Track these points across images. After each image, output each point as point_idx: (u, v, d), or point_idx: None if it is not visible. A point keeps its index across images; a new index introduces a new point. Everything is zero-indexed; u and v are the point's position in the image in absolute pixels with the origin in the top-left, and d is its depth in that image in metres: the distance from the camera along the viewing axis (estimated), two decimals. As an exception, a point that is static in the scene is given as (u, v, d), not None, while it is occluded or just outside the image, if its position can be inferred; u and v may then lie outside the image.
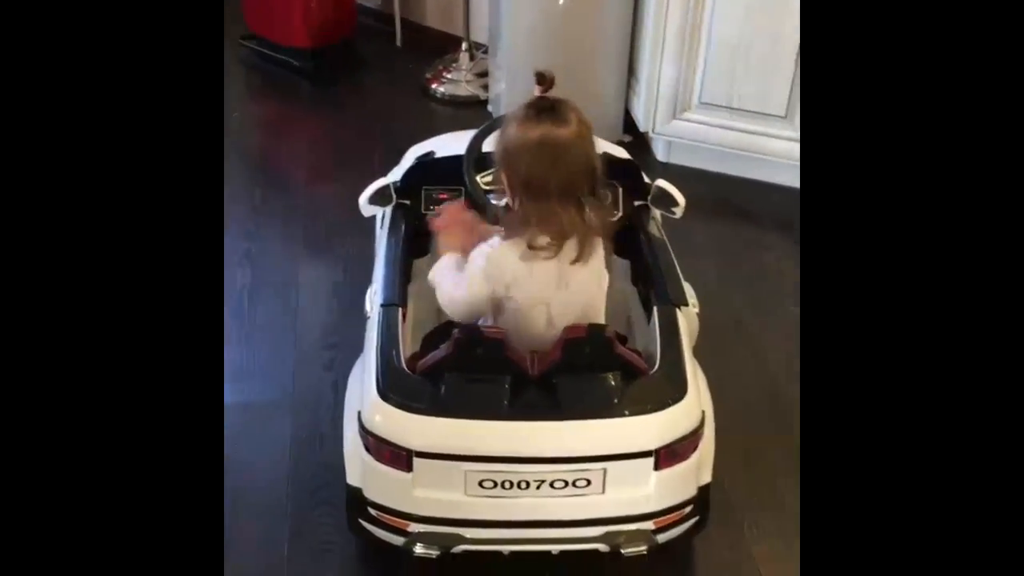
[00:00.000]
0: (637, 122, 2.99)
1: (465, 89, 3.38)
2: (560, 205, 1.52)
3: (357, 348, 1.78)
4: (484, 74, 3.37)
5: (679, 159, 2.98)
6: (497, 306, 1.60)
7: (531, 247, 1.54)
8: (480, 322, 1.68)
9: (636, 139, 3.03)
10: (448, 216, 1.74)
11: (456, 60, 3.45)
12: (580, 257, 1.56)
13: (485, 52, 3.37)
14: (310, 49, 3.42)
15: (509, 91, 3.03)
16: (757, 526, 1.87)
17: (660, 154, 3.01)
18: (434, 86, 3.40)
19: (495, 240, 1.59)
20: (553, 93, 1.58)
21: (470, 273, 1.59)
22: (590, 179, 1.55)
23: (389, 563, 1.74)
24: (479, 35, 3.43)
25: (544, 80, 1.55)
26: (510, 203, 1.59)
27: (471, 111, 3.27)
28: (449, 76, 3.42)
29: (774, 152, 2.76)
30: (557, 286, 1.57)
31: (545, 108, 1.53)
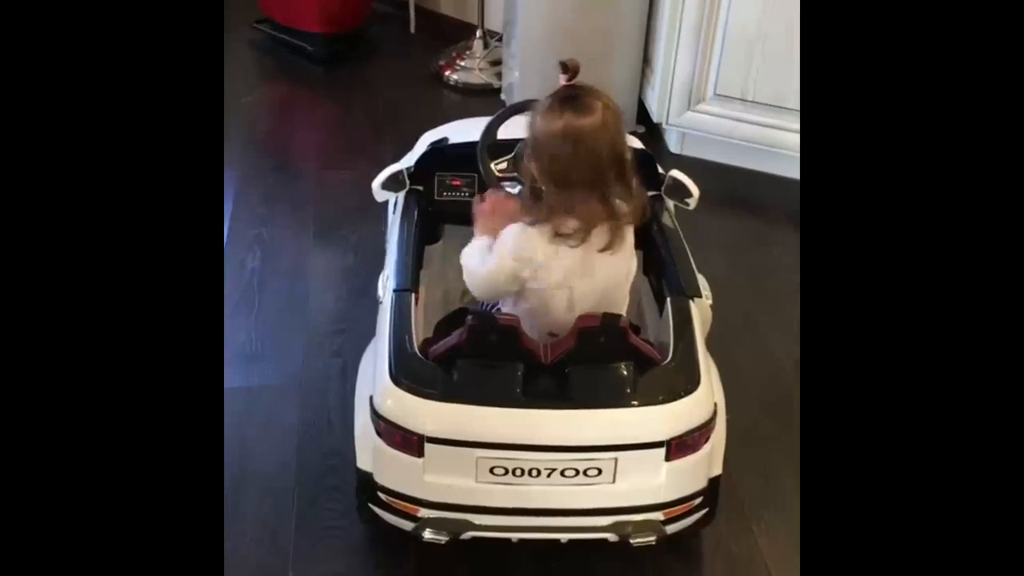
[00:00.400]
0: (650, 113, 2.98)
1: (478, 77, 3.37)
2: (584, 195, 1.51)
3: (366, 334, 1.78)
4: (498, 62, 3.36)
5: (692, 151, 2.97)
6: (520, 288, 1.59)
7: (557, 234, 1.53)
8: (496, 308, 1.68)
9: (649, 130, 3.02)
10: (492, 203, 1.73)
11: (470, 48, 3.44)
12: (610, 245, 1.55)
13: (499, 40, 3.36)
14: (323, 34, 3.41)
15: (522, 80, 3.02)
16: (765, 520, 1.87)
17: (673, 146, 3.00)
18: (447, 73, 3.39)
19: (519, 225, 1.58)
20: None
21: (498, 251, 1.59)
22: (617, 167, 1.54)
23: (396, 548, 1.74)
24: (493, 23, 3.42)
25: (568, 69, 1.54)
26: (539, 191, 1.56)
27: (484, 99, 3.27)
28: (462, 64, 3.41)
29: (787, 146, 2.74)
30: (582, 273, 1.57)
31: (568, 98, 1.52)
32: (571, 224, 1.53)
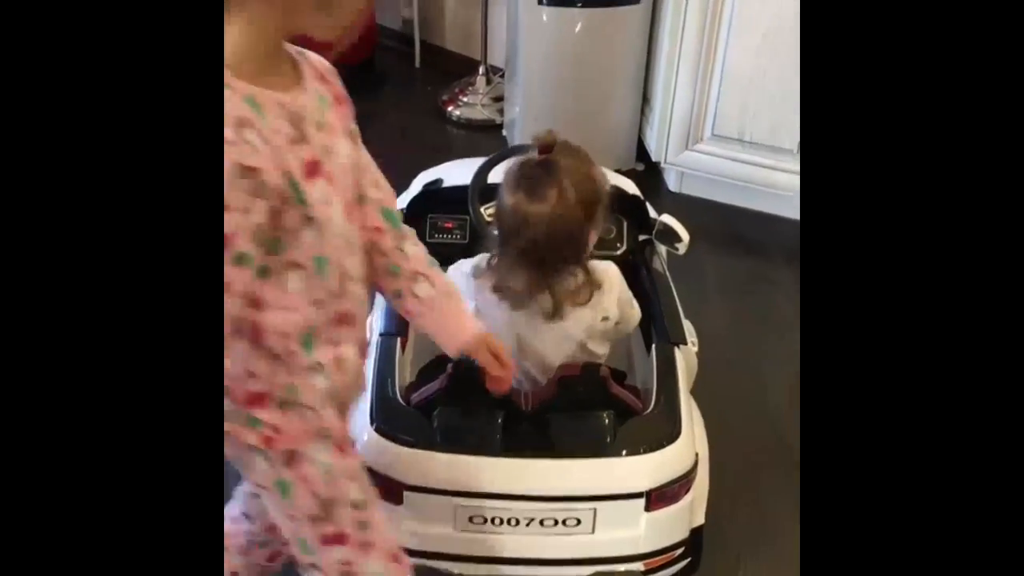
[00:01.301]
0: (649, 151, 2.99)
1: (481, 113, 3.39)
2: (525, 267, 1.52)
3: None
4: (500, 98, 3.38)
5: (690, 190, 2.97)
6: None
7: (495, 288, 1.55)
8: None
9: (648, 168, 3.03)
10: None
11: (473, 83, 3.46)
12: (550, 317, 1.54)
13: (502, 76, 3.38)
14: (328, 68, 3.44)
15: (524, 116, 3.04)
16: (752, 570, 1.85)
17: (672, 184, 3.01)
18: (450, 108, 3.42)
19: (474, 266, 1.61)
20: (567, 131, 1.55)
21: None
22: (571, 250, 1.52)
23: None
24: (496, 59, 3.44)
25: (539, 145, 1.51)
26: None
27: (486, 135, 3.29)
28: (465, 99, 3.43)
29: (784, 186, 2.75)
30: (525, 326, 1.57)
31: (524, 177, 1.50)
32: (514, 287, 1.54)
